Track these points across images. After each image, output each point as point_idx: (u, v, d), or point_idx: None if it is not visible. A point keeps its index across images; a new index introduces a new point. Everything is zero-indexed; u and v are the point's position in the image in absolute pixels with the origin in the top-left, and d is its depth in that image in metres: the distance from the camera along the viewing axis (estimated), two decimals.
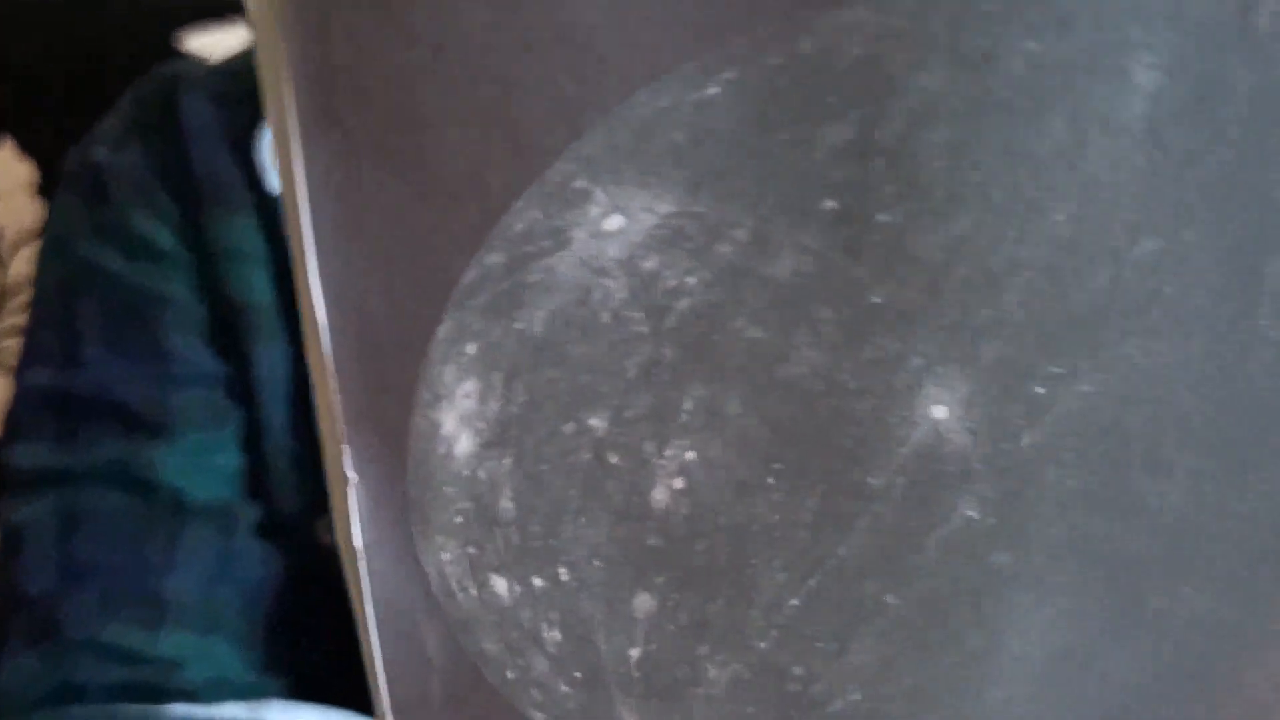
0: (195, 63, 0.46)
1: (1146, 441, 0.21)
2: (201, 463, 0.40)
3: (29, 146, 0.55)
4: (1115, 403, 0.20)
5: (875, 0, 0.16)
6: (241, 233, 0.41)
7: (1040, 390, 0.20)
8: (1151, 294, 0.19)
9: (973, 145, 0.17)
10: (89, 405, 0.40)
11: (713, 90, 0.17)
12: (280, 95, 0.17)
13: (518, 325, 0.20)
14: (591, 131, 0.18)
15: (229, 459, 0.41)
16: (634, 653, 0.25)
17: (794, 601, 0.23)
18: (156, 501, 0.39)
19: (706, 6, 0.16)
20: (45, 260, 0.43)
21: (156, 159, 0.41)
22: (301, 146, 0.18)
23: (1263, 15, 0.16)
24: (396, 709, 0.26)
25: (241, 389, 0.41)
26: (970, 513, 0.22)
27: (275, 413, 0.41)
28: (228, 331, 0.41)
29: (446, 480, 0.22)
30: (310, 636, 0.41)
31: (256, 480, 0.41)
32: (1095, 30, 0.16)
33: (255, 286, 0.40)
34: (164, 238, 0.41)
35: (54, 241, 0.43)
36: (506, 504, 0.22)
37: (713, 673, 0.25)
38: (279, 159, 0.18)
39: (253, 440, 0.41)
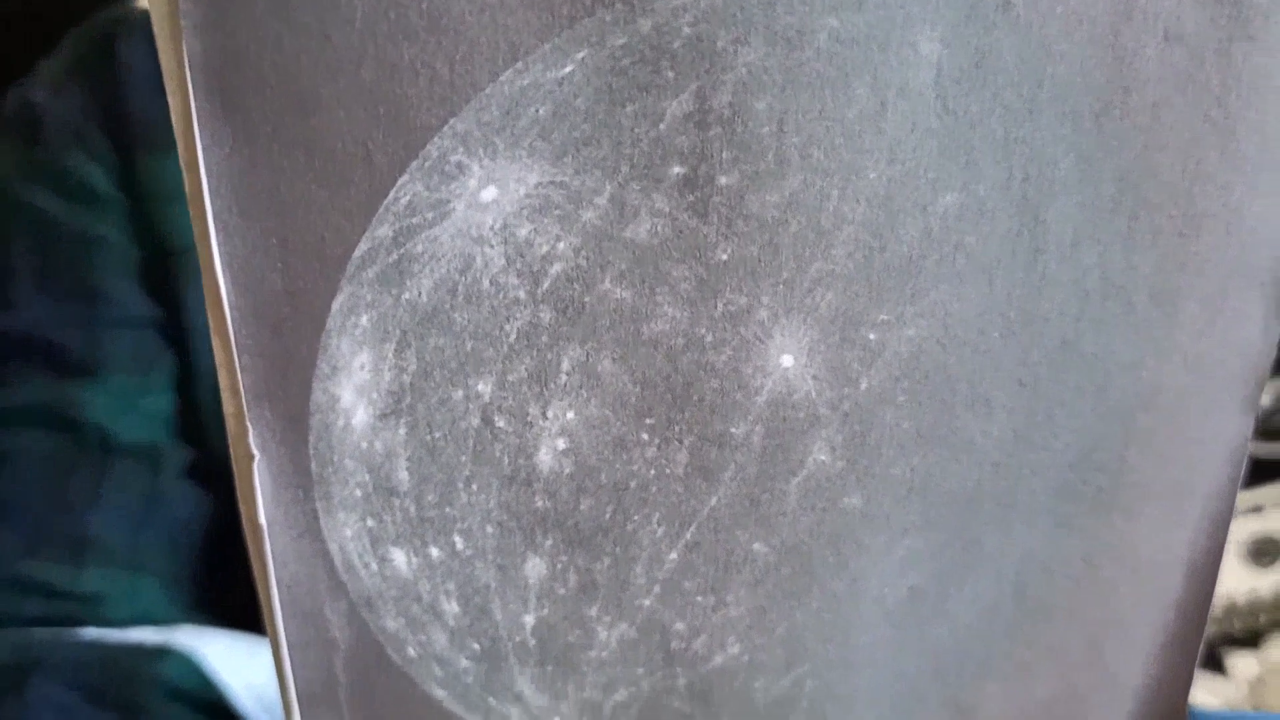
0: (135, 8, 0.46)
1: (967, 382, 0.24)
2: (130, 404, 0.40)
3: None
4: (937, 346, 0.23)
5: None
6: (176, 176, 0.41)
7: (872, 336, 0.23)
8: (956, 244, 0.22)
9: (792, 112, 0.20)
10: (18, 345, 0.40)
11: (569, 68, 0.20)
12: (180, 83, 0.20)
13: (406, 295, 0.22)
14: (465, 109, 0.20)
15: (158, 401, 0.41)
16: (528, 619, 0.26)
17: (672, 555, 0.25)
18: (83, 441, 0.39)
19: None
20: None
21: (93, 101, 0.42)
22: (201, 133, 0.20)
23: None
24: (302, 695, 0.27)
25: (174, 332, 0.41)
26: (822, 457, 0.24)
27: (206, 356, 0.41)
28: (160, 275, 0.41)
29: (346, 453, 0.24)
30: (239, 578, 0.41)
31: (188, 423, 0.42)
32: (883, 8, 0.19)
33: (188, 230, 0.41)
34: (98, 179, 0.41)
35: None
36: (402, 474, 0.24)
37: (602, 634, 0.27)
38: (180, 146, 0.20)
39: (185, 383, 0.41)
